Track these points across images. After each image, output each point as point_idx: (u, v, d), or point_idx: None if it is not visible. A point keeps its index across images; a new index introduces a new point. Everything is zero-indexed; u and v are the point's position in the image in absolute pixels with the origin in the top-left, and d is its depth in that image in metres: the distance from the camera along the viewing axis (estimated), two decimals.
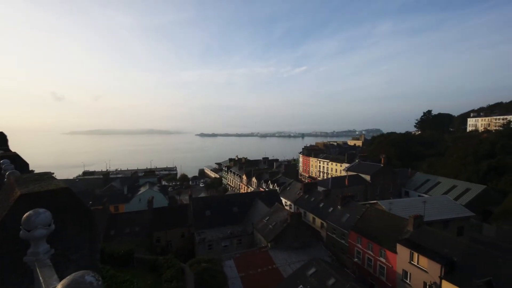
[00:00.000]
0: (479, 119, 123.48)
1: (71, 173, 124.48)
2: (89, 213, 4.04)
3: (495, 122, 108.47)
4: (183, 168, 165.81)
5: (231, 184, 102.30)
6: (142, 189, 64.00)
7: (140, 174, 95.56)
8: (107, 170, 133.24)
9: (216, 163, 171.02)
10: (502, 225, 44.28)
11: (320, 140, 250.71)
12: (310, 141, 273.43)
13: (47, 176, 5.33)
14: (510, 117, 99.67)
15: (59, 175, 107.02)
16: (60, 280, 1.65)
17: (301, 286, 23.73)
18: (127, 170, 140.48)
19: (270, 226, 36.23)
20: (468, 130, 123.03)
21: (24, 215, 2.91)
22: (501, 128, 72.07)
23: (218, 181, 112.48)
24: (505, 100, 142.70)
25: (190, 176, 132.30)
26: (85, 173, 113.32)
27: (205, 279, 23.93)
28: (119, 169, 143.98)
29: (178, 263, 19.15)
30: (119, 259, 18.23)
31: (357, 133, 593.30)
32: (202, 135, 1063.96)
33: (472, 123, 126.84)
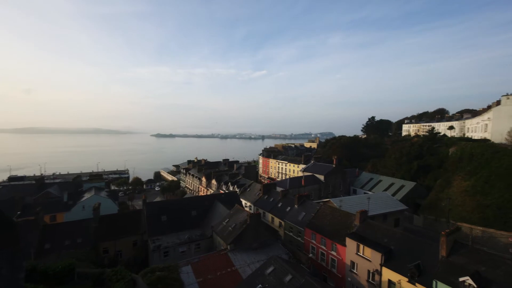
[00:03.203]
0: (411, 125, 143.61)
1: None
2: (10, 226, 3.39)
3: (423, 128, 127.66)
4: (136, 171, 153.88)
5: (189, 187, 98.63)
6: (87, 195, 57.14)
7: (84, 179, 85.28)
8: (41, 174, 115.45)
9: (173, 165, 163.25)
10: (427, 216, 52.12)
11: (279, 142, 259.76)
12: (269, 143, 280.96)
13: None
14: (434, 124, 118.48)
15: None
16: None
17: (259, 285, 24.12)
18: (68, 174, 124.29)
19: (230, 228, 36.00)
20: (403, 135, 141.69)
21: None
22: (427, 133, 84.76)
23: (176, 184, 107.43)
24: (431, 109, 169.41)
25: (144, 179, 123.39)
26: (12, 178, 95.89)
27: None
28: (57, 173, 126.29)
29: (129, 275, 17.63)
30: (56, 276, 15.93)
31: (312, 136, 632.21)
32: (159, 135, 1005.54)
33: (406, 129, 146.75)
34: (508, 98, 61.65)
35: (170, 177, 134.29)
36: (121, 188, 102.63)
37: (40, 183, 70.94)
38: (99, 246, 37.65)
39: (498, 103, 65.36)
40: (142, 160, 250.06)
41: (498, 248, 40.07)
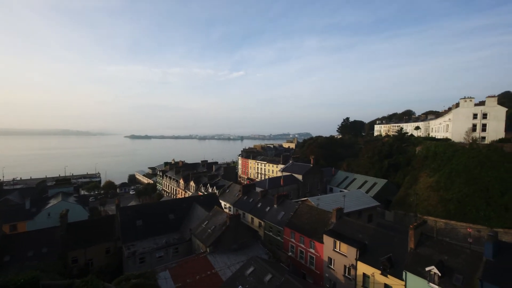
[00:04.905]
0: (382, 126, 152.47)
1: None
2: None
3: (392, 128, 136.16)
4: (108, 174, 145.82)
5: (166, 189, 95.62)
6: (53, 202, 53.01)
7: (49, 184, 79.02)
8: (0, 180, 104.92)
9: (149, 168, 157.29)
10: (398, 211, 55.56)
11: (258, 142, 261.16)
12: (248, 144, 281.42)
13: None
14: (402, 125, 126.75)
15: None
16: None
17: (240, 286, 24.06)
18: (31, 179, 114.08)
19: (209, 230, 35.48)
20: (375, 135, 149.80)
21: None
22: (396, 134, 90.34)
23: (152, 187, 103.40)
24: (399, 111, 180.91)
25: (117, 183, 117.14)
26: None
27: None
28: (17, 178, 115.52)
29: (101, 284, 16.66)
30: None
31: (291, 136, 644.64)
32: (133, 137, 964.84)
33: (378, 129, 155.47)
34: (465, 101, 67.72)
35: (146, 180, 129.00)
36: (92, 193, 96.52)
37: None
38: (68, 255, 35.11)
39: (457, 105, 71.54)
40: (115, 163, 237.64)
41: (458, 238, 43.92)
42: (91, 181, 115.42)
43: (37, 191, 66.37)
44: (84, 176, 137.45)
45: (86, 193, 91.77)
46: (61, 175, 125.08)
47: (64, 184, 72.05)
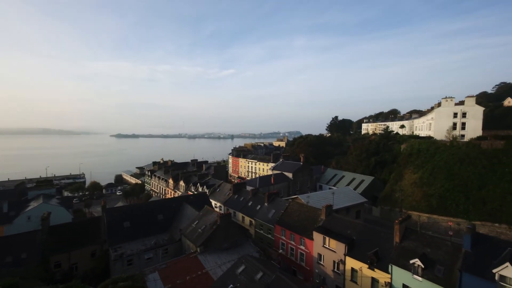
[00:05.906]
0: (369, 124, 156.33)
1: None
2: None
3: (379, 127, 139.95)
4: (93, 174, 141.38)
5: (155, 189, 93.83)
6: (33, 204, 50.66)
7: (29, 186, 75.46)
8: None
9: (137, 168, 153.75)
10: (384, 207, 57.24)
11: (248, 141, 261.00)
12: (239, 142, 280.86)
13: None
14: (388, 123, 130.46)
15: None
16: None
17: (231, 285, 24.00)
18: (8, 181, 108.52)
19: (200, 230, 35.16)
20: (362, 133, 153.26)
21: None
22: (382, 132, 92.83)
23: (140, 187, 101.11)
24: (385, 110, 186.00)
25: (103, 183, 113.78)
26: None
27: None
28: None
29: None
30: None
31: (281, 134, 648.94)
32: (120, 136, 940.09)
33: (365, 127, 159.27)
34: (446, 101, 70.47)
35: (133, 180, 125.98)
36: (76, 194, 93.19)
37: None
38: (50, 260, 33.76)
39: (439, 104, 74.31)
40: (101, 163, 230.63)
41: (440, 231, 45.83)
42: (75, 182, 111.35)
43: (15, 194, 63.12)
44: (67, 177, 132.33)
45: (69, 194, 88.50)
46: (42, 176, 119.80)
47: (46, 186, 68.83)
